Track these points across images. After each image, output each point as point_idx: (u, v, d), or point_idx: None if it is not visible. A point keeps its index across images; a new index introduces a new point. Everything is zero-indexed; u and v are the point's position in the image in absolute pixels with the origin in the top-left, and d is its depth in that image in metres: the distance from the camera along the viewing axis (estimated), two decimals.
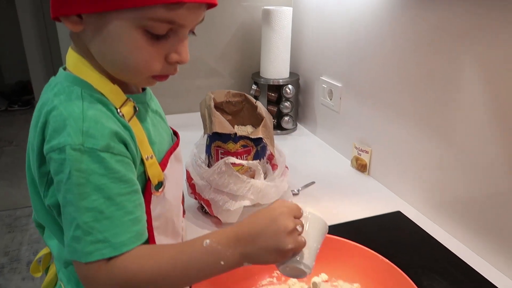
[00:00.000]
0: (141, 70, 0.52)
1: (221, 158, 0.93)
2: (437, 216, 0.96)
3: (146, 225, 0.53)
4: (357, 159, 1.20)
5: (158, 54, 0.52)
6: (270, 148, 0.94)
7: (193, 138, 1.06)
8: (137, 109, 0.56)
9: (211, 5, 0.54)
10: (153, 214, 0.57)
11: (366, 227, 0.94)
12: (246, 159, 0.94)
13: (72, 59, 0.54)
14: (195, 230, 0.92)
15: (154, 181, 0.57)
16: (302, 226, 0.53)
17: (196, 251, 0.51)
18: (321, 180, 1.15)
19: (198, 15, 0.52)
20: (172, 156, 0.62)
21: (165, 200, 0.59)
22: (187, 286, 0.58)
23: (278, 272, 0.75)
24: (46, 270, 0.69)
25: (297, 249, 0.52)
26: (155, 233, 0.58)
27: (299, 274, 0.55)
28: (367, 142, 1.18)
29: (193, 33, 0.56)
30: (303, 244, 0.53)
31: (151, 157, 0.56)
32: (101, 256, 0.48)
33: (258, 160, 0.94)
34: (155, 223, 0.58)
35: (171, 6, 0.48)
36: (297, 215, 0.54)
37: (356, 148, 1.20)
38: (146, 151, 0.56)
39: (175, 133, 0.70)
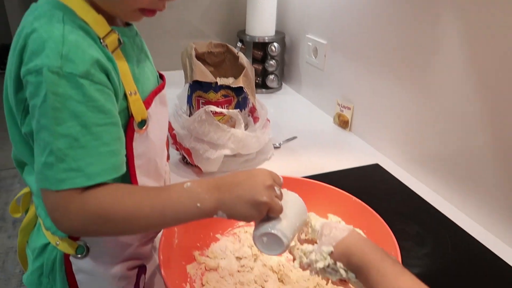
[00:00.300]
0: (129, 0, 0.51)
1: (202, 107, 0.93)
2: (413, 168, 0.98)
3: (124, 160, 0.53)
4: (339, 115, 1.21)
5: None
6: (251, 98, 0.94)
7: (176, 93, 1.05)
8: (121, 41, 0.54)
9: None
10: (135, 152, 0.57)
11: (345, 177, 0.96)
12: (227, 109, 0.94)
13: None
14: (176, 180, 0.93)
15: (137, 118, 0.56)
16: (281, 194, 0.54)
17: (176, 192, 0.51)
18: (303, 135, 1.16)
19: None
20: (157, 97, 0.61)
21: (148, 139, 0.59)
22: (161, 228, 0.59)
23: None
24: (27, 212, 0.69)
25: (272, 208, 0.52)
26: (137, 172, 0.58)
27: (275, 248, 0.53)
28: (350, 98, 1.19)
29: None
30: (279, 206, 0.53)
31: (135, 93, 0.55)
32: (74, 185, 0.47)
33: (238, 110, 0.94)
34: (137, 162, 0.57)
35: None
36: (278, 182, 0.55)
37: (338, 104, 1.21)
38: (130, 86, 0.55)
39: (161, 76, 0.69)
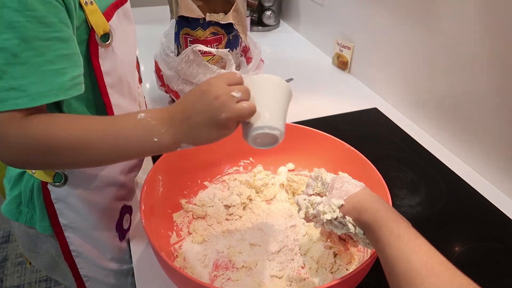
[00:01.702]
0: None
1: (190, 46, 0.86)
2: (412, 112, 0.94)
3: (77, 81, 0.47)
4: (338, 56, 1.14)
5: None
6: (242, 36, 0.87)
7: (162, 32, 0.98)
8: None
9: None
10: (103, 68, 0.53)
11: (341, 122, 0.92)
12: (217, 48, 0.87)
13: None
14: None
15: (99, 31, 0.51)
16: (245, 91, 0.45)
17: (129, 123, 0.46)
18: (300, 77, 1.10)
19: None
20: (120, 11, 0.56)
21: (115, 55, 0.55)
22: (114, 162, 0.54)
23: (244, 161, 0.74)
24: None
25: (240, 115, 0.44)
26: (110, 91, 0.55)
27: (270, 142, 0.47)
28: (350, 37, 1.11)
29: None
30: (247, 109, 0.44)
31: (91, 3, 0.50)
32: (15, 106, 0.42)
33: (229, 50, 0.88)
34: (107, 79, 0.54)
35: None
36: (233, 81, 0.45)
37: (338, 44, 1.14)
38: None
39: None
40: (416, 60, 0.90)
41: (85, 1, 0.49)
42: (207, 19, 0.84)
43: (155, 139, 0.45)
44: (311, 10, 1.28)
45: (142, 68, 1.07)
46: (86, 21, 0.50)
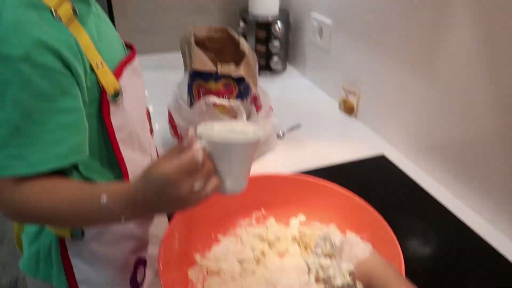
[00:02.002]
0: None
1: (203, 99, 0.89)
2: (420, 159, 0.96)
3: (77, 149, 0.50)
4: (345, 101, 1.17)
5: None
6: (253, 87, 0.90)
7: (176, 79, 1.01)
8: (77, 11, 0.51)
9: None
10: (114, 125, 0.55)
11: (349, 170, 0.94)
12: (229, 99, 0.90)
13: None
14: None
15: (110, 90, 0.54)
16: (207, 174, 0.45)
17: (94, 207, 0.48)
18: (308, 122, 1.12)
19: None
20: (129, 68, 0.59)
21: (125, 112, 0.57)
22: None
23: (256, 212, 0.75)
24: None
25: (202, 200, 0.46)
26: (121, 146, 0.57)
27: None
28: (356, 83, 1.14)
29: None
30: (209, 194, 0.46)
31: (101, 65, 0.53)
32: (14, 171, 0.46)
33: (241, 100, 0.91)
34: (118, 134, 0.56)
35: None
36: (193, 169, 0.44)
37: (344, 89, 1.17)
38: (94, 56, 0.52)
39: (130, 46, 0.65)
40: (422, 106, 0.93)
41: (96, 65, 0.52)
42: (219, 72, 0.87)
43: (122, 218, 0.49)
44: (317, 56, 1.32)
45: (153, 114, 1.10)
46: (97, 82, 0.53)
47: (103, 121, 0.54)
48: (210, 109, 0.85)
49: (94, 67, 0.52)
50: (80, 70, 0.49)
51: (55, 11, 0.47)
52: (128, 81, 0.58)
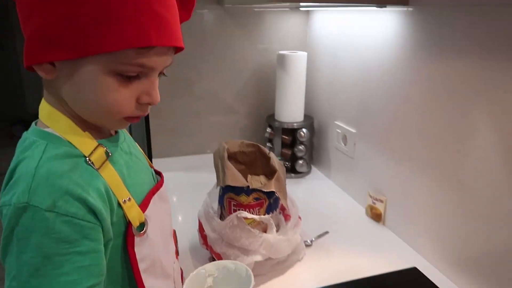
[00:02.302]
0: (113, 113, 0.54)
1: (234, 210, 0.93)
2: (454, 272, 0.93)
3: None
4: (371, 208, 1.18)
5: (129, 96, 0.53)
6: (282, 201, 0.93)
7: (205, 180, 1.06)
8: (109, 154, 0.56)
9: (179, 49, 0.57)
10: (138, 256, 0.57)
11: (381, 285, 0.92)
12: (259, 212, 0.93)
13: (44, 109, 0.56)
14: None
15: (135, 223, 0.57)
16: None
17: None
18: (335, 229, 1.13)
19: (166, 59, 0.55)
20: (156, 196, 0.62)
21: (150, 240, 0.59)
22: None
23: None
24: None
25: None
26: (144, 276, 0.58)
27: None
28: (382, 190, 1.16)
29: (163, 74, 0.58)
30: None
31: (129, 200, 0.56)
32: None
33: (271, 213, 0.93)
34: (141, 265, 0.58)
35: (141, 50, 0.50)
36: None
37: (370, 196, 1.19)
38: (123, 194, 0.56)
39: (159, 173, 0.70)
40: (452, 215, 0.92)
41: (124, 200, 0.56)
42: (251, 187, 0.91)
43: None
44: (342, 160, 1.37)
45: (181, 220, 1.13)
46: (124, 216, 0.56)
47: (127, 252, 0.57)
48: (241, 223, 0.88)
49: (121, 202, 0.56)
50: (105, 212, 0.53)
51: (89, 159, 0.54)
52: (154, 209, 0.61)
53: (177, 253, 0.75)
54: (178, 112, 1.54)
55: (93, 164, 0.54)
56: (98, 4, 0.48)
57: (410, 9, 0.99)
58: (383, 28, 1.10)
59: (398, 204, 1.11)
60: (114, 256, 0.56)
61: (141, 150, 0.70)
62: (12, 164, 0.53)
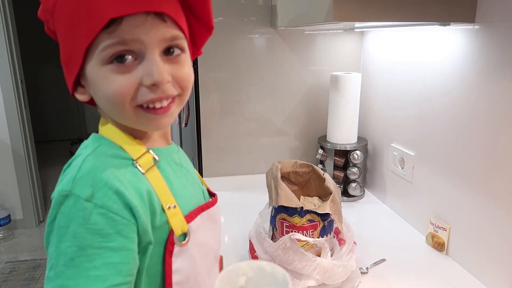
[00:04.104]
0: (118, 102, 0.53)
1: (286, 231, 0.90)
2: None
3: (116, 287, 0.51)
4: (433, 236, 1.10)
5: (129, 82, 0.52)
6: (338, 224, 0.89)
7: (255, 200, 1.04)
8: (157, 159, 0.57)
9: (163, 14, 0.52)
10: (173, 266, 0.56)
11: None
12: (312, 234, 0.90)
13: (101, 123, 0.60)
14: None
15: (177, 232, 0.56)
16: None
17: None
18: (392, 257, 1.06)
19: (150, 29, 0.51)
20: (205, 213, 0.62)
21: (189, 254, 0.58)
22: None
23: None
24: None
25: None
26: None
27: None
28: (445, 218, 1.08)
29: (179, 49, 0.55)
30: None
31: (174, 207, 0.56)
32: None
33: (325, 236, 0.89)
34: (175, 277, 0.56)
35: (110, 28, 0.50)
36: None
37: (432, 224, 1.11)
38: (168, 200, 0.56)
39: (213, 194, 0.70)
40: None
41: (168, 206, 0.56)
42: (304, 207, 0.88)
43: None
44: (398, 185, 1.30)
45: (231, 238, 1.12)
46: (167, 222, 0.56)
47: (164, 260, 0.56)
48: (294, 245, 0.84)
49: (165, 208, 0.56)
50: (142, 211, 0.53)
51: (136, 161, 0.55)
52: (201, 225, 0.60)
53: None
54: (229, 133, 1.55)
55: (140, 167, 0.55)
56: (70, 14, 0.51)
57: (477, 26, 0.94)
58: (445, 47, 1.05)
59: (464, 233, 1.03)
60: (155, 265, 0.56)
61: (196, 170, 0.71)
62: (67, 162, 0.57)
